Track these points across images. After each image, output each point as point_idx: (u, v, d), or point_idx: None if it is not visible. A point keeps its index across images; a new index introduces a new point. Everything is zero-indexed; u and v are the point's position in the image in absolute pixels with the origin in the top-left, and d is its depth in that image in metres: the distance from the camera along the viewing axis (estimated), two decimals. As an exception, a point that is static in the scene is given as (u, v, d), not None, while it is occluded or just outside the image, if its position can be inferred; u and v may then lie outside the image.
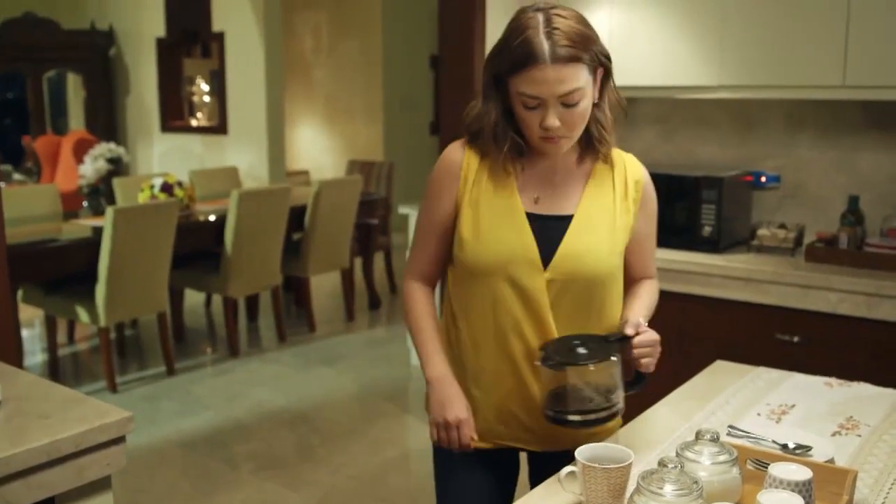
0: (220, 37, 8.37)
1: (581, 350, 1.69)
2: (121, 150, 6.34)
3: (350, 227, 6.26)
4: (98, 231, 4.94)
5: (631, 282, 1.96)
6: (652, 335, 1.75)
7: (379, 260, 7.18)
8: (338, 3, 9.84)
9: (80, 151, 7.74)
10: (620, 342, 1.73)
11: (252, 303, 6.52)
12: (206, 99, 9.06)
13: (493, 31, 3.98)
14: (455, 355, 1.92)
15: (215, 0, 8.32)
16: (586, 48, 1.68)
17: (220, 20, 8.35)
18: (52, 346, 5.26)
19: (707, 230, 3.67)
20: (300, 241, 6.02)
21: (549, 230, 1.80)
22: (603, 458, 1.51)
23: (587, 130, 1.79)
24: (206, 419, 4.59)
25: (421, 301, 1.95)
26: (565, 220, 1.81)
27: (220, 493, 3.73)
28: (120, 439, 1.95)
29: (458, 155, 1.88)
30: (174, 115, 9.02)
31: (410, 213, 5.26)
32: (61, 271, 5.01)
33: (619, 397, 1.73)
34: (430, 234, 1.91)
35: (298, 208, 5.86)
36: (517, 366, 1.83)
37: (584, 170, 1.86)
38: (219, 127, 8.57)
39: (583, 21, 1.72)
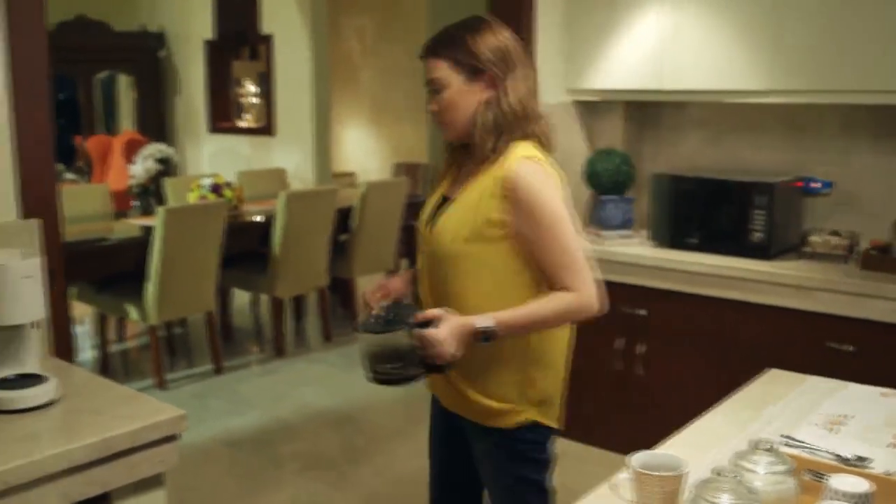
0: (268, 39, 8.44)
1: (381, 319, 1.97)
2: (170, 151, 6.41)
3: (396, 229, 6.28)
4: (147, 230, 5.01)
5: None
6: (431, 334, 1.89)
7: (424, 262, 7.19)
8: (384, 6, 9.87)
9: (130, 151, 7.83)
10: (415, 326, 1.92)
11: (298, 303, 6.56)
12: (254, 101, 9.13)
13: (543, 32, 3.97)
14: None
15: (264, 3, 8.40)
16: (448, 48, 2.00)
17: (268, 23, 8.42)
18: (102, 344, 5.33)
19: (757, 236, 3.62)
20: (346, 242, 6.05)
21: (442, 209, 2.10)
22: (656, 465, 1.49)
23: (472, 129, 2.02)
24: (253, 418, 4.63)
25: None
26: (448, 203, 2.09)
27: (265, 493, 3.76)
28: (173, 437, 1.97)
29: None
30: (222, 116, 9.10)
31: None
32: (112, 270, 5.08)
33: (410, 368, 1.94)
34: None
35: (345, 210, 5.88)
36: None
37: (481, 165, 2.04)
38: (266, 128, 8.64)
39: (468, 28, 2.01)
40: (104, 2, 9.32)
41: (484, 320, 1.93)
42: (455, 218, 2.04)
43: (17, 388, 1.99)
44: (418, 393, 5.01)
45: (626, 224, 4.03)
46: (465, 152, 2.11)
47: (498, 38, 2.01)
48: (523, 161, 1.99)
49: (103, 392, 2.11)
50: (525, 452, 2.14)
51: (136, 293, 4.91)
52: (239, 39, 8.81)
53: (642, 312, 3.84)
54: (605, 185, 4.02)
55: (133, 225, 5.51)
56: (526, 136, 2.04)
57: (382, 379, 1.97)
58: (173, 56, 9.46)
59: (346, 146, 10.45)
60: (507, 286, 2.03)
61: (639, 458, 1.50)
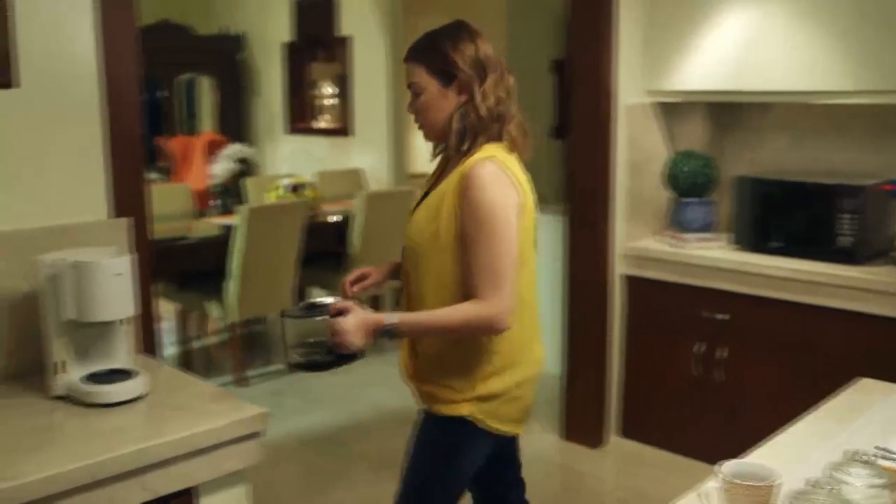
0: (345, 41, 8.51)
1: (304, 308, 2.13)
2: (249, 151, 6.51)
3: (470, 231, 6.26)
4: (227, 229, 5.09)
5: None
6: (338, 323, 1.98)
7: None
8: (460, 7, 9.87)
9: (210, 152, 7.97)
10: (329, 315, 2.02)
11: (375, 304, 6.59)
12: (331, 102, 9.21)
13: (624, 33, 3.92)
14: None
15: (341, 6, 8.47)
16: (425, 54, 2.11)
17: (346, 25, 8.49)
18: (184, 340, 5.43)
19: (845, 241, 3.52)
20: (422, 243, 6.05)
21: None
22: (747, 474, 1.45)
23: (448, 130, 2.10)
24: (327, 417, 4.67)
25: None
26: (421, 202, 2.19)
27: (336, 490, 3.78)
28: (255, 434, 1.99)
29: None
30: (300, 117, 9.20)
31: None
32: (193, 268, 5.17)
33: (321, 355, 2.05)
34: None
35: (421, 211, 5.88)
36: None
37: (454, 165, 2.11)
38: (342, 129, 8.71)
39: (446, 34, 2.12)
40: (187, 6, 9.53)
41: (391, 317, 2.03)
42: (423, 214, 2.14)
43: (107, 382, 2.03)
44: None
45: (707, 227, 3.96)
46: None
47: (474, 45, 2.10)
48: (482, 161, 2.03)
49: (188, 388, 2.14)
50: (445, 445, 2.19)
51: (216, 291, 5.00)
52: (316, 41, 8.90)
53: (723, 317, 3.77)
54: (686, 187, 3.95)
55: (213, 224, 5.60)
56: (499, 138, 2.11)
57: (295, 364, 2.09)
58: (252, 58, 9.61)
59: (420, 148, 10.47)
60: (455, 291, 2.06)
61: (729, 466, 1.46)
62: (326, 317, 2.02)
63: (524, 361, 2.18)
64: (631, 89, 4.02)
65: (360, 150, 8.51)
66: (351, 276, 2.38)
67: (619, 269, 4.10)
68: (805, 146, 4.05)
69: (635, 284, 4.08)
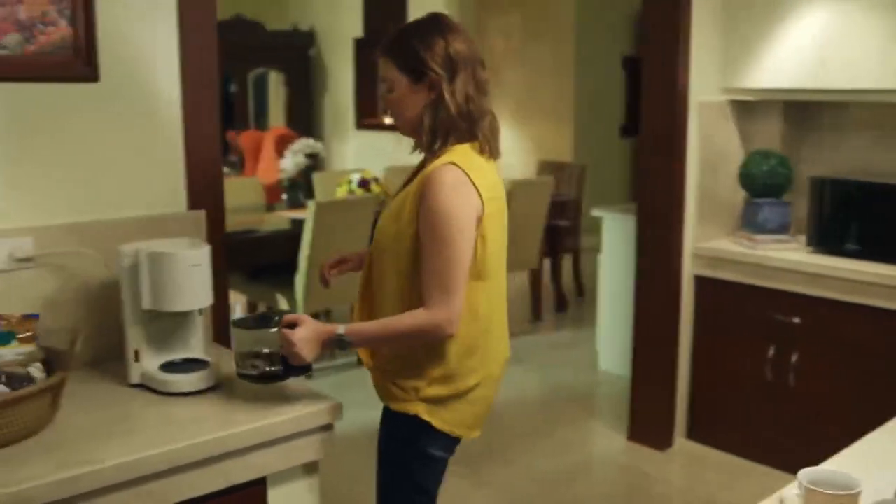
0: (415, 37, 8.55)
1: (256, 318, 2.14)
2: (318, 146, 6.56)
3: (540, 228, 6.24)
4: (296, 223, 5.14)
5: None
6: (288, 335, 1.94)
7: (567, 262, 7.13)
8: (532, 4, 9.84)
9: (280, 146, 8.08)
10: (280, 326, 1.99)
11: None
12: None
13: (698, 30, 3.87)
14: None
15: (412, 1, 8.50)
16: (395, 50, 2.07)
17: (416, 21, 8.53)
18: (252, 332, 5.49)
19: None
20: (489, 240, 6.05)
21: None
22: (828, 482, 1.42)
23: (419, 129, 2.07)
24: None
25: None
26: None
27: (406, 485, 3.79)
28: (328, 426, 2.01)
29: None
30: (368, 112, 9.27)
31: (604, 215, 5.19)
32: (263, 260, 5.24)
33: (271, 367, 2.00)
34: None
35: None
36: None
37: (428, 163, 2.08)
38: (411, 125, 8.75)
39: (418, 30, 2.07)
40: (259, 2, 9.65)
41: (340, 328, 1.99)
42: (387, 216, 2.12)
43: (184, 371, 2.07)
44: (557, 394, 5.00)
45: (781, 228, 3.88)
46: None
47: (444, 41, 2.03)
48: (444, 166, 1.98)
49: (262, 379, 2.17)
50: (411, 441, 2.14)
51: (285, 283, 5.05)
52: (387, 37, 8.97)
53: (796, 320, 3.70)
54: (761, 187, 3.88)
55: (283, 217, 5.67)
56: (472, 137, 2.06)
57: (244, 375, 2.03)
58: (323, 54, 9.70)
59: (487, 144, 10.45)
60: (412, 295, 2.03)
61: (809, 474, 1.43)
62: (277, 328, 2.00)
63: (476, 370, 2.12)
64: (705, 87, 3.96)
65: (428, 147, 8.53)
66: (330, 261, 2.38)
67: (690, 269, 4.04)
68: (885, 146, 3.94)
69: (706, 285, 4.02)
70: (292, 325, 1.96)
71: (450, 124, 2.03)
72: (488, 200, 2.01)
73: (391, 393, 2.13)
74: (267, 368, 2.00)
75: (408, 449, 2.16)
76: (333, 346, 1.99)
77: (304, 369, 2.03)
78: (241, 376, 2.03)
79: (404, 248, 2.03)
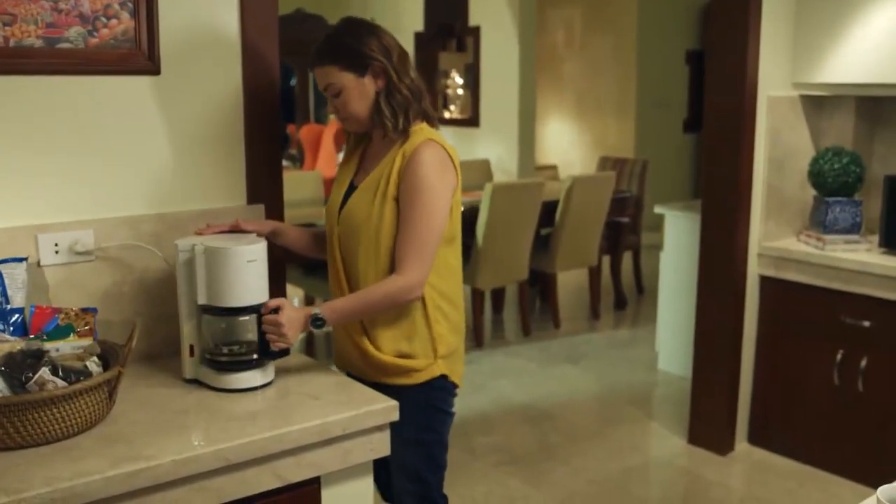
0: (475, 31, 8.50)
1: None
2: (377, 140, 6.54)
3: (600, 225, 6.16)
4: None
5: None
6: (274, 318, 2.01)
7: (627, 259, 7.03)
8: (593, 0, 9.73)
9: (339, 140, 8.11)
10: (261, 313, 2.04)
11: (498, 295, 6.56)
12: (460, 92, 9.22)
13: (768, 22, 3.76)
14: None
15: (472, -5, 8.46)
16: (333, 54, 2.15)
17: (476, 15, 8.48)
18: (308, 325, 5.50)
19: None
20: (549, 236, 5.99)
21: (349, 194, 2.26)
22: (908, 500, 1.35)
23: (378, 116, 2.16)
24: (450, 408, 4.65)
25: None
26: (355, 188, 2.24)
27: (461, 484, 3.75)
28: (384, 426, 1.98)
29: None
30: (427, 107, 9.25)
31: (666, 212, 5.09)
32: (319, 254, 5.24)
33: (248, 353, 2.06)
34: None
35: (549, 203, 5.81)
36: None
37: (387, 147, 2.21)
38: (471, 119, 8.71)
39: (344, 31, 2.19)
40: (320, -5, 9.70)
41: (315, 308, 2.08)
42: (361, 198, 2.19)
43: (239, 368, 2.05)
44: (615, 394, 4.93)
45: (853, 228, 3.75)
46: (366, 140, 2.32)
47: (374, 35, 2.18)
48: (426, 142, 2.14)
49: (318, 377, 2.15)
50: (436, 404, 2.28)
51: (342, 278, 5.04)
52: (447, 31, 8.92)
53: (866, 324, 3.58)
54: (832, 186, 3.76)
55: (340, 212, 5.66)
56: (423, 113, 2.21)
57: (219, 363, 2.06)
58: (383, 47, 9.70)
59: (548, 139, 10.39)
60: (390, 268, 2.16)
61: (889, 491, 1.36)
62: (254, 315, 2.04)
63: (461, 320, 2.33)
64: (774, 81, 3.85)
65: (487, 141, 8.49)
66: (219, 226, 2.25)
67: (756, 269, 3.94)
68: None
69: (772, 286, 3.91)
70: (274, 312, 2.03)
71: (406, 103, 2.16)
72: (458, 174, 2.21)
73: (407, 368, 2.21)
74: (244, 356, 2.06)
75: (437, 415, 2.29)
76: (312, 325, 2.07)
77: (284, 353, 2.08)
78: (212, 363, 2.06)
79: (386, 224, 2.14)
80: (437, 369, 2.23)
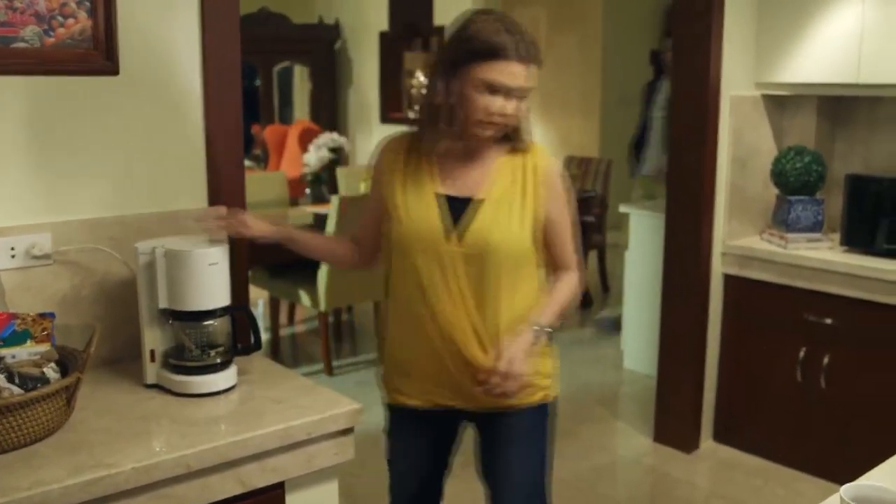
0: (440, 30, 8.48)
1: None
2: (342, 140, 6.52)
3: (564, 224, 6.16)
4: (319, 218, 5.10)
5: (552, 272, 2.18)
6: (507, 364, 1.93)
7: (592, 258, 7.05)
8: (558, -2, 9.76)
9: (304, 140, 8.05)
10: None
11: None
12: (425, 92, 9.20)
13: (731, 21, 3.78)
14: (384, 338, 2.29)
15: (437, -5, 8.45)
16: (538, 55, 1.98)
17: (441, 14, 8.46)
18: (274, 327, 5.48)
19: None
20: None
21: (460, 209, 2.04)
22: (873, 499, 1.35)
23: (526, 122, 2.08)
24: (416, 409, 4.63)
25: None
26: (477, 202, 2.04)
27: (429, 485, 3.73)
28: (349, 430, 1.96)
29: (385, 150, 2.29)
30: (393, 106, 9.22)
31: (631, 212, 5.11)
32: (285, 256, 5.19)
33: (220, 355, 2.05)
34: (367, 210, 2.28)
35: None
36: (424, 330, 2.08)
37: (497, 156, 2.09)
38: (435, 120, 8.68)
39: (518, 28, 1.99)
40: (285, -5, 9.64)
41: (537, 325, 2.02)
42: (506, 212, 2.05)
43: (201, 373, 2.02)
44: (580, 392, 4.93)
45: (815, 227, 3.79)
46: (427, 147, 2.12)
47: None
48: (547, 151, 2.15)
49: (282, 381, 2.12)
50: (550, 426, 2.24)
51: (307, 280, 5.01)
52: (412, 31, 8.90)
53: (828, 321, 3.61)
54: (794, 185, 3.79)
55: (307, 212, 5.63)
56: None
57: (180, 367, 2.03)
58: (348, 47, 9.66)
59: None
60: (537, 278, 2.16)
61: (852, 490, 1.36)
62: (221, 319, 2.05)
63: None
64: (737, 80, 3.88)
65: (453, 141, 8.47)
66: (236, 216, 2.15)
67: (720, 268, 3.96)
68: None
69: (736, 284, 3.94)
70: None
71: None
72: None
73: (531, 384, 2.09)
74: (217, 359, 2.04)
75: (546, 435, 2.22)
76: (538, 341, 2.03)
77: (256, 349, 2.15)
78: (174, 368, 2.02)
79: (534, 240, 2.08)
80: (553, 392, 2.21)
